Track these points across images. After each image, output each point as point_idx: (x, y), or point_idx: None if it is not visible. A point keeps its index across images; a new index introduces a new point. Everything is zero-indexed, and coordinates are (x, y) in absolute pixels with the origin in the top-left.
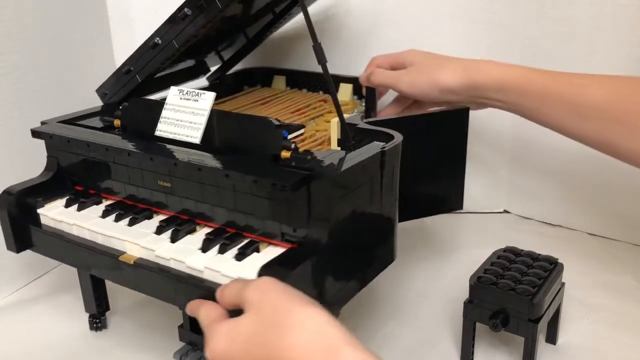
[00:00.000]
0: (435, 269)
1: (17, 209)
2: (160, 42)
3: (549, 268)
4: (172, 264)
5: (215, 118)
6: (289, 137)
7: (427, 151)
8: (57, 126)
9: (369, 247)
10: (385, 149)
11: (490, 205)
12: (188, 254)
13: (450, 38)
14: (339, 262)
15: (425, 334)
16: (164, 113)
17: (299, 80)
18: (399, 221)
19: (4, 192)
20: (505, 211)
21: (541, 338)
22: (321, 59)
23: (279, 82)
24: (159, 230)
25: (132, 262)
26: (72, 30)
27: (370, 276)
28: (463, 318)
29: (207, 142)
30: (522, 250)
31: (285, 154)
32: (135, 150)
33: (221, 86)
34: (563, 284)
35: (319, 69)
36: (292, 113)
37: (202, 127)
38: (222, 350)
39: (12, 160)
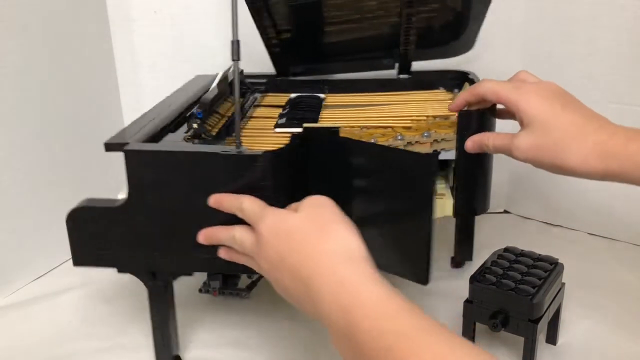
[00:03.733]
0: (435, 269)
1: None
2: None
3: (549, 268)
4: None
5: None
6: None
7: (378, 195)
8: None
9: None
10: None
11: (490, 205)
12: None
13: None
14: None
15: None
16: None
17: None
18: None
19: None
20: (505, 211)
21: (541, 338)
22: (234, 56)
23: (465, 89)
24: None
25: None
26: (72, 31)
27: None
28: (463, 318)
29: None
30: (522, 250)
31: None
32: None
33: (405, 81)
34: (563, 284)
35: None
36: (400, 119)
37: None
38: (269, 231)
39: (12, 159)
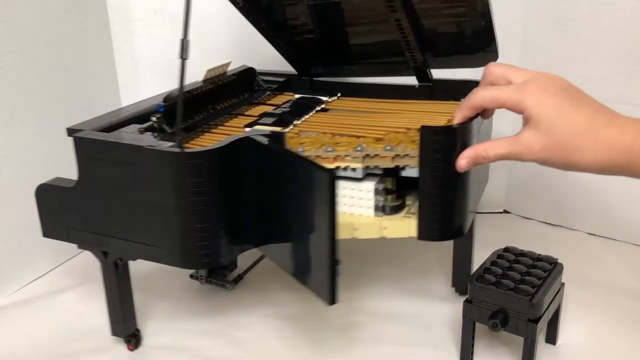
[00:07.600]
0: (436, 268)
1: None
2: None
3: (549, 268)
4: None
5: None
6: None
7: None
8: None
9: (154, 228)
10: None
11: (490, 205)
12: None
13: None
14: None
15: (425, 334)
16: None
17: None
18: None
19: None
20: (505, 211)
21: (541, 338)
22: (181, 54)
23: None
24: None
25: None
26: (72, 30)
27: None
28: (463, 318)
29: None
30: (522, 250)
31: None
32: None
33: (425, 90)
34: (563, 284)
35: None
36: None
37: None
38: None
39: (12, 158)
